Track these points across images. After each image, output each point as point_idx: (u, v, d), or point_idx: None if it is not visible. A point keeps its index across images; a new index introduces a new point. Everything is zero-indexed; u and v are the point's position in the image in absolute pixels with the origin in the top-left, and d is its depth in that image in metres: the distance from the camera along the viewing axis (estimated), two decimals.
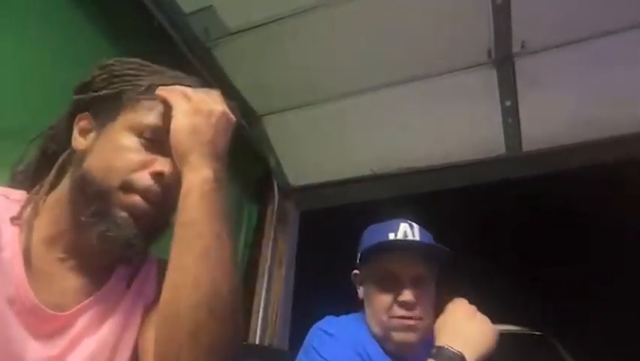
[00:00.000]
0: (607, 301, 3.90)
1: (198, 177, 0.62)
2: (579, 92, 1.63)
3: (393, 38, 1.54)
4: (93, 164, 0.65)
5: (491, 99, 1.69)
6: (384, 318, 1.08)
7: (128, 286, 0.70)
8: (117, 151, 0.66)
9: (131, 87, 0.69)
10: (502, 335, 1.01)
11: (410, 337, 1.06)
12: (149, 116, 0.67)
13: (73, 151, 0.70)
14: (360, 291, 1.19)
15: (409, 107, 1.77)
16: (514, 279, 4.10)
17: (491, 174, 1.93)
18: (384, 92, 1.73)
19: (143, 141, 0.67)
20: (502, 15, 1.42)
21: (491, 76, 1.62)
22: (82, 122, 0.71)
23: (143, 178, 0.65)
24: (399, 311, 1.07)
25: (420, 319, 1.07)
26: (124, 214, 0.63)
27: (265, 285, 1.82)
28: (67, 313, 0.63)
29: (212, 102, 0.67)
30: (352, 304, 1.24)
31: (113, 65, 0.72)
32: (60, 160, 0.71)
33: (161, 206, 0.66)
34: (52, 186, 0.70)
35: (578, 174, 1.84)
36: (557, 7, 1.42)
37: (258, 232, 1.98)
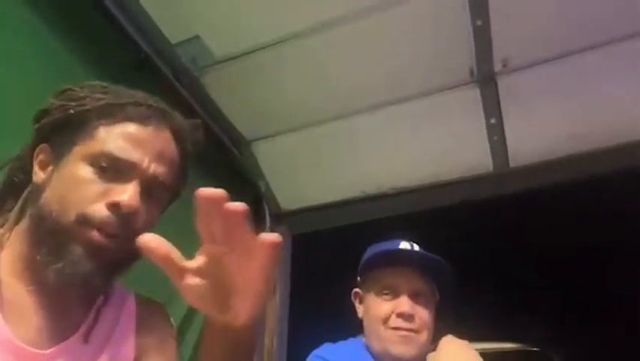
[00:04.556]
0: (599, 315, 3.91)
1: None
2: (562, 107, 1.67)
3: (378, 62, 1.57)
4: (49, 199, 0.63)
5: (476, 118, 1.71)
6: (382, 329, 1.08)
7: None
8: (72, 184, 0.63)
9: (83, 110, 0.66)
10: (501, 353, 1.01)
11: (408, 350, 1.06)
12: (105, 144, 0.64)
13: (34, 185, 0.67)
14: (360, 309, 1.19)
15: (398, 128, 1.79)
16: (506, 296, 4.10)
17: (480, 191, 1.94)
18: (372, 115, 1.75)
19: (98, 170, 0.63)
20: (482, 35, 1.46)
21: (475, 95, 1.65)
22: (41, 155, 0.68)
23: (99, 210, 0.62)
24: (396, 322, 1.08)
25: (417, 332, 1.07)
26: (80, 250, 0.61)
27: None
28: (47, 352, 0.60)
29: None
30: (350, 329, 1.23)
31: (69, 89, 0.69)
32: (25, 193, 0.68)
33: (123, 237, 0.62)
34: (18, 220, 0.67)
35: (567, 188, 1.86)
36: (535, 25, 1.46)
37: None
